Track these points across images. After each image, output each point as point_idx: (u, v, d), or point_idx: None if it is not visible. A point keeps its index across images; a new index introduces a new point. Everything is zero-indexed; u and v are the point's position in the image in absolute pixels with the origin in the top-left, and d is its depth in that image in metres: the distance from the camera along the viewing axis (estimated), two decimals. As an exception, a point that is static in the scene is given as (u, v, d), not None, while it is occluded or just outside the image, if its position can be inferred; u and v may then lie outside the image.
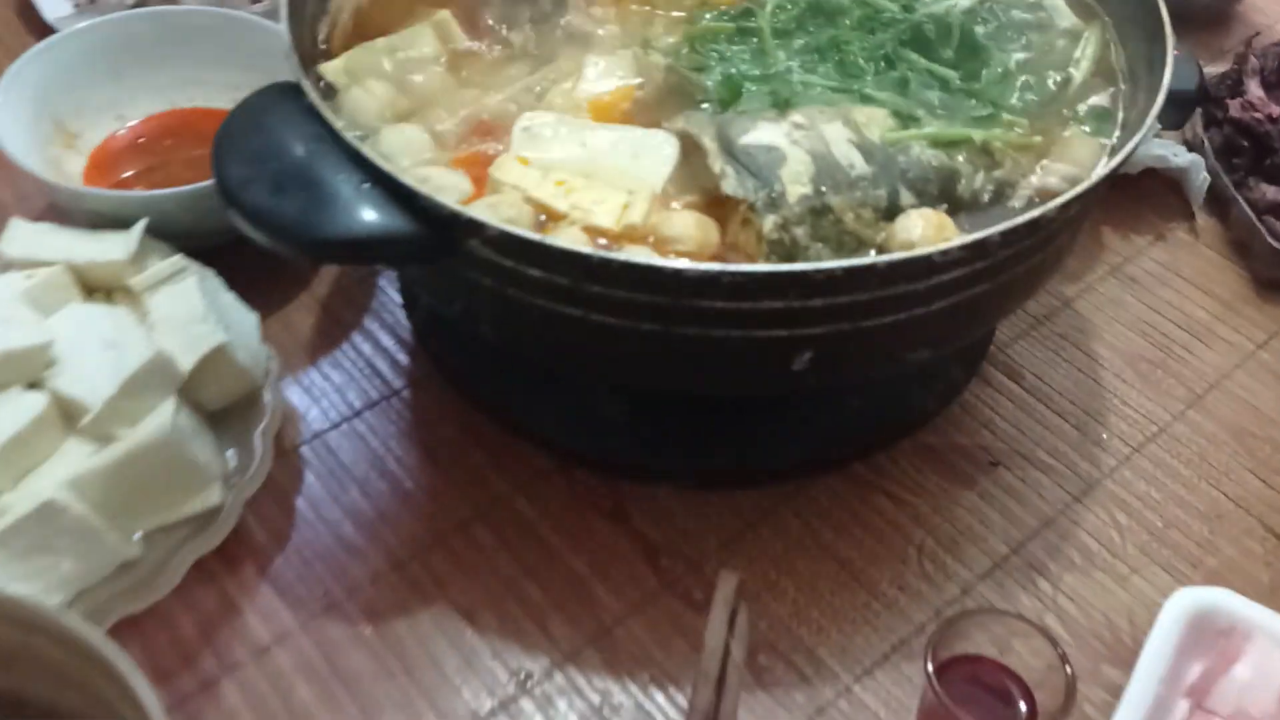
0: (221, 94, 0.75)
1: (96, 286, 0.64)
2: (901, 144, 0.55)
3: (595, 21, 0.64)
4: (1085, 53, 0.63)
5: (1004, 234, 0.49)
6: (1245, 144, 0.78)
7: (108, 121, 0.74)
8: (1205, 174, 0.78)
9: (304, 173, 0.50)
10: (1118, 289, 0.75)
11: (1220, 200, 0.79)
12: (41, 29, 0.84)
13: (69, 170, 0.70)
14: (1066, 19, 0.66)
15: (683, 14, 0.64)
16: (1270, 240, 0.74)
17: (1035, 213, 0.50)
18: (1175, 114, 0.78)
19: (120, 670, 0.45)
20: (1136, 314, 0.74)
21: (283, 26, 0.55)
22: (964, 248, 0.48)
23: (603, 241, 0.52)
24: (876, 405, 0.65)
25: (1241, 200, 0.76)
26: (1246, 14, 0.98)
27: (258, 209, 0.49)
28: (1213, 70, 0.84)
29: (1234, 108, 0.79)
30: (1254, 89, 0.79)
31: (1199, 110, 0.81)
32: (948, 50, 0.62)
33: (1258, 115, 0.77)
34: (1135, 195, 0.79)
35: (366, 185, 0.50)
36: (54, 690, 0.49)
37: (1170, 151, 0.78)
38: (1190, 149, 0.80)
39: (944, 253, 0.48)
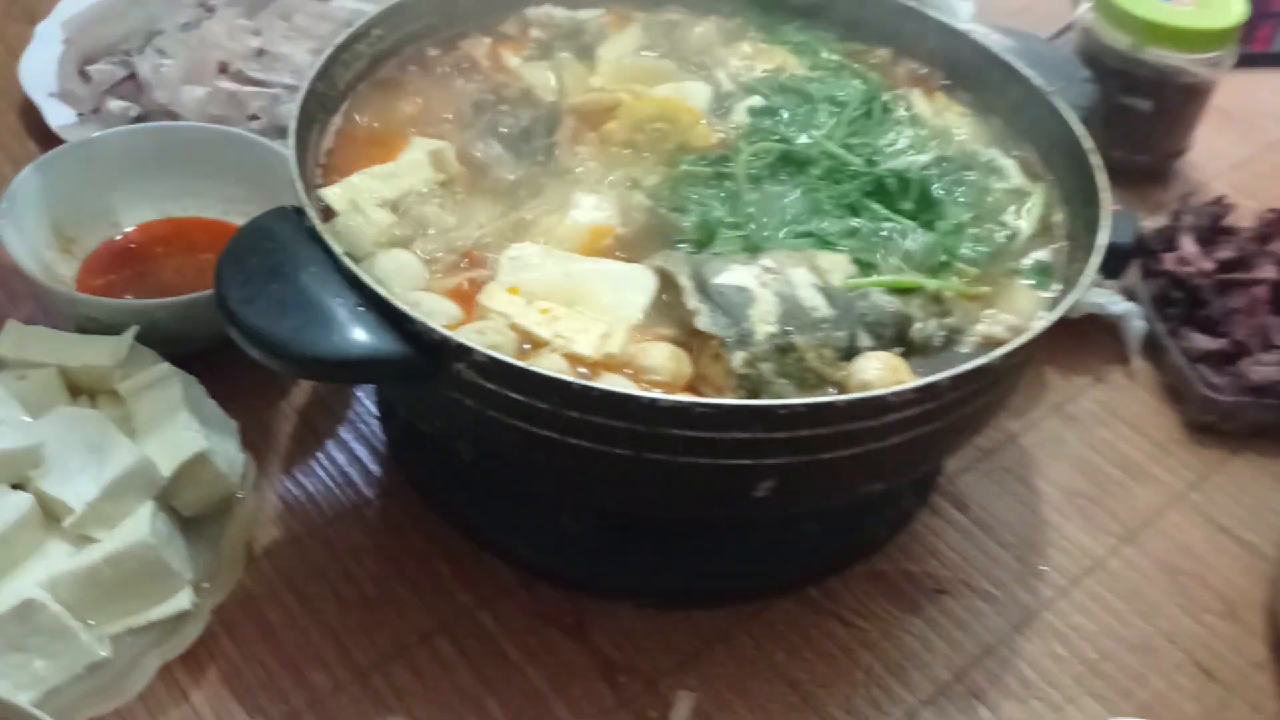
0: (214, 205, 0.79)
1: (82, 389, 0.66)
2: (861, 290, 0.59)
3: (580, 160, 0.68)
4: (1031, 211, 0.68)
5: (953, 379, 0.52)
6: (1179, 295, 0.83)
7: (103, 228, 0.77)
8: (1141, 321, 0.83)
9: (302, 294, 0.53)
10: (1059, 426, 0.79)
11: (1155, 346, 0.83)
12: (44, 135, 0.87)
13: (62, 274, 0.73)
14: (1016, 178, 0.71)
15: (662, 157, 0.69)
16: (1202, 388, 0.78)
17: (981, 360, 0.54)
18: (1114, 265, 0.84)
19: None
20: (1076, 451, 0.78)
21: (290, 153, 0.58)
22: (916, 390, 0.52)
23: (582, 370, 0.55)
24: (832, 532, 0.68)
25: (1175, 349, 0.81)
26: (1185, 170, 1.04)
27: (256, 328, 0.52)
28: (1151, 224, 0.90)
29: (1169, 261, 0.84)
30: (1187, 244, 0.85)
31: (1137, 261, 0.86)
32: (907, 202, 0.67)
33: (1190, 269, 0.83)
34: (1076, 339, 0.84)
35: (361, 308, 0.53)
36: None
37: (1109, 300, 0.83)
38: (1129, 298, 0.85)
39: (898, 394, 0.52)
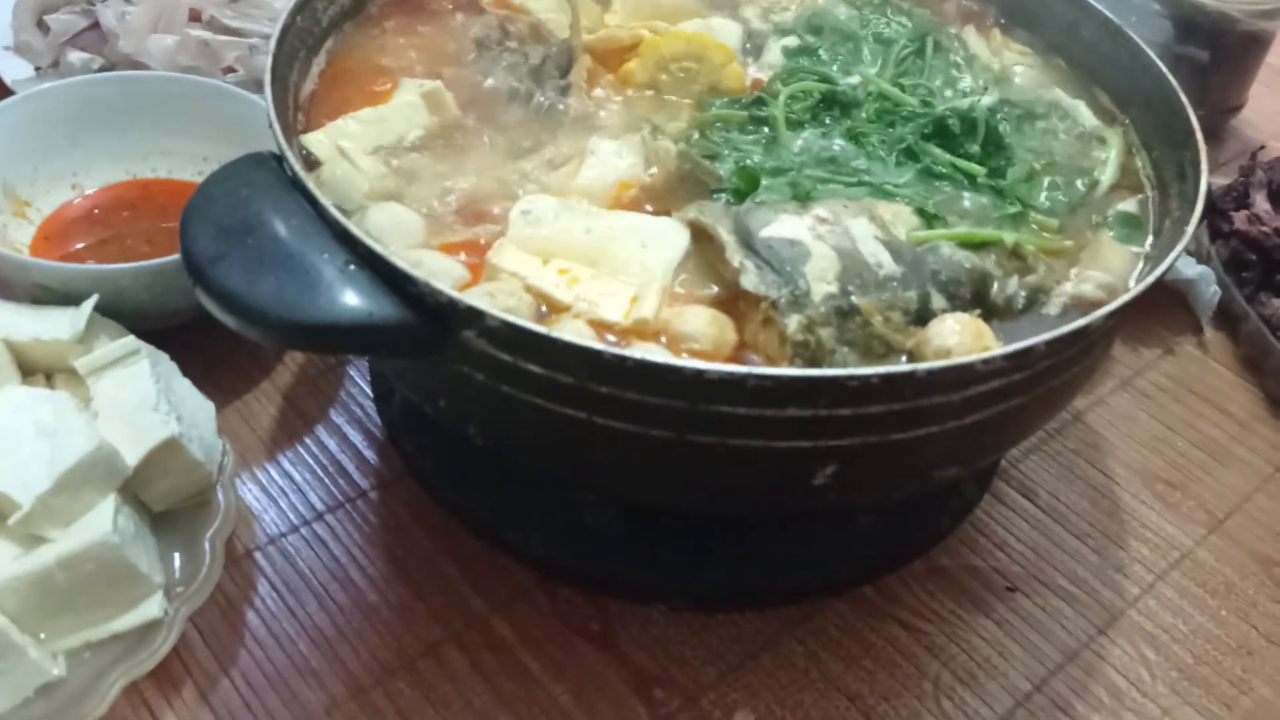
0: (187, 165, 0.71)
1: (36, 367, 0.58)
2: (930, 244, 0.52)
3: (597, 104, 0.60)
4: (1109, 156, 0.61)
5: (1050, 343, 0.45)
6: (1253, 257, 0.75)
7: (62, 190, 0.69)
8: (1215, 287, 0.76)
9: (283, 250, 0.45)
10: (1129, 403, 0.72)
11: (1228, 314, 0.76)
12: (2, 93, 0.78)
13: (16, 239, 0.65)
14: (1088, 120, 0.63)
15: (689, 100, 0.61)
16: (1284, 357, 0.71)
17: (1082, 322, 0.46)
18: (1181, 225, 0.76)
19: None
20: (1150, 430, 0.70)
21: (266, 91, 0.50)
22: (1008, 357, 0.44)
23: (610, 338, 0.48)
24: (887, 523, 0.60)
25: (1252, 315, 0.73)
26: (1240, 129, 0.97)
27: (228, 289, 0.44)
28: (1213, 182, 0.82)
29: (1240, 220, 0.76)
30: (1260, 202, 0.77)
31: (1204, 222, 0.79)
32: (973, 145, 0.59)
33: (1265, 229, 0.75)
34: (1143, 306, 0.76)
35: (352, 267, 0.45)
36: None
37: (1180, 262, 0.76)
38: (1199, 261, 0.78)
39: (987, 362, 0.44)
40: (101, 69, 0.77)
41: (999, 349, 0.44)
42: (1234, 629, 0.60)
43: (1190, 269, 0.76)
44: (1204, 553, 0.64)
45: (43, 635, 0.50)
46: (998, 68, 0.67)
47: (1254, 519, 0.66)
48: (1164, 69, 0.61)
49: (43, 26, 0.80)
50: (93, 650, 0.50)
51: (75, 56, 0.77)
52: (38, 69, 0.78)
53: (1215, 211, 0.79)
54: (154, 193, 0.70)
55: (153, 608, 0.51)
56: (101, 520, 0.50)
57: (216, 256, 0.45)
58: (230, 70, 0.77)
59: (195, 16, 0.78)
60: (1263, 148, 0.85)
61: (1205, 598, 0.61)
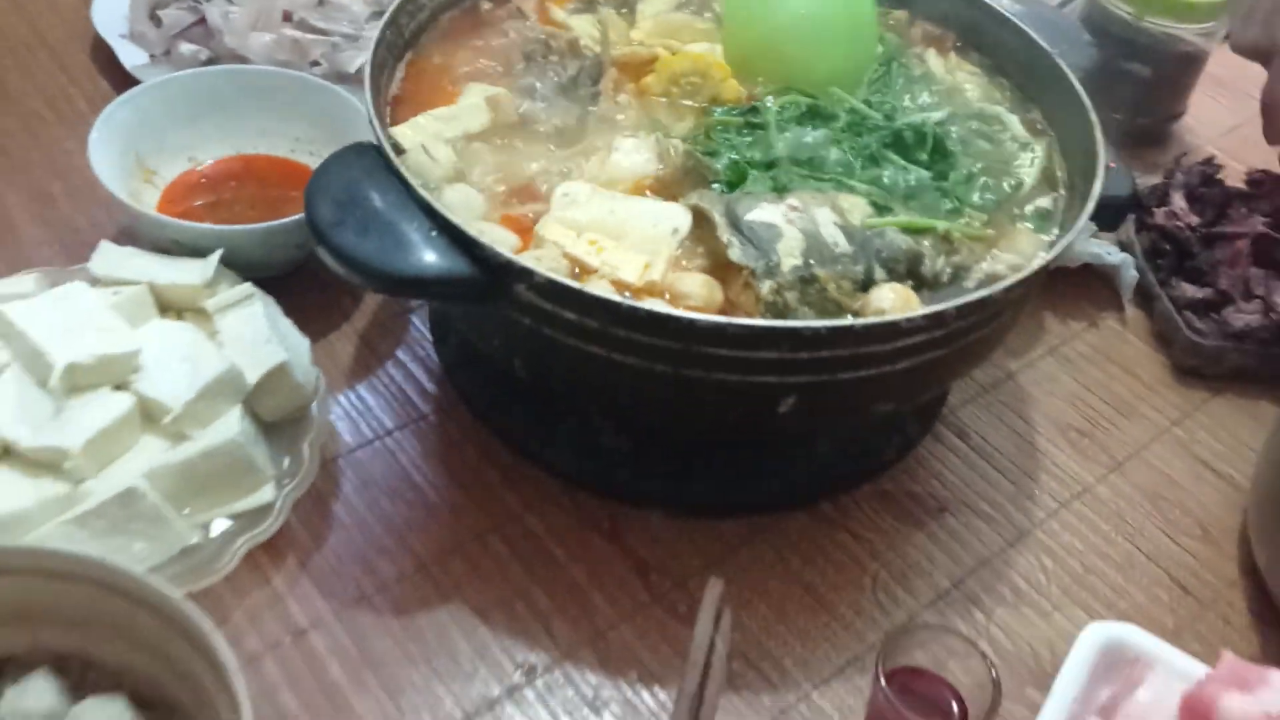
0: (283, 144, 0.85)
1: (171, 307, 0.72)
2: (878, 229, 0.66)
3: (621, 108, 0.74)
4: (1034, 163, 0.75)
5: (958, 308, 0.59)
6: (1168, 248, 0.89)
7: (181, 162, 0.83)
8: (1134, 271, 0.90)
9: (382, 219, 0.60)
10: (1055, 367, 0.86)
11: (1146, 295, 0.90)
12: (116, 75, 0.93)
13: (146, 201, 0.79)
14: (1021, 133, 0.77)
15: (698, 106, 0.75)
16: (1188, 333, 0.85)
17: (984, 292, 0.60)
18: (1110, 218, 0.91)
19: (201, 629, 0.53)
20: (1069, 389, 0.84)
21: (366, 96, 0.65)
22: (925, 316, 0.58)
23: (626, 294, 0.62)
24: (843, 453, 0.75)
25: (1164, 297, 0.88)
26: (1181, 134, 1.11)
27: (343, 248, 0.58)
28: (1146, 181, 0.96)
29: (1160, 215, 0.90)
30: (1178, 200, 0.91)
31: (1132, 215, 0.93)
32: (922, 154, 0.73)
33: (1179, 224, 0.89)
34: (1074, 287, 0.91)
35: (434, 233, 0.59)
36: (124, 652, 0.57)
37: (1105, 250, 0.90)
38: (1122, 249, 0.92)
39: (909, 319, 0.58)
40: (208, 60, 0.91)
41: (919, 310, 0.59)
42: (1120, 548, 0.74)
43: (1114, 256, 0.90)
44: (1103, 488, 0.78)
45: (186, 511, 0.65)
46: (951, 83, 0.81)
47: (1148, 464, 0.80)
48: (1081, 92, 0.74)
49: (155, 19, 0.94)
50: (221, 524, 0.66)
51: (185, 48, 0.91)
52: (151, 56, 0.93)
53: (1140, 208, 0.92)
54: (255, 166, 0.85)
55: (266, 494, 0.66)
56: (231, 424, 0.65)
57: (334, 223, 0.59)
58: (315, 64, 0.91)
59: (287, 16, 0.92)
60: (1185, 154, 0.98)
61: (1099, 523, 0.76)
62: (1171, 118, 1.09)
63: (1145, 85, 1.03)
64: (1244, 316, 0.84)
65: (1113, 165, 0.89)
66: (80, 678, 0.57)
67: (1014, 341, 0.87)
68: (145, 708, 0.56)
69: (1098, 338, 0.89)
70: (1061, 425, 0.82)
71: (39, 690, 0.55)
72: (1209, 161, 0.95)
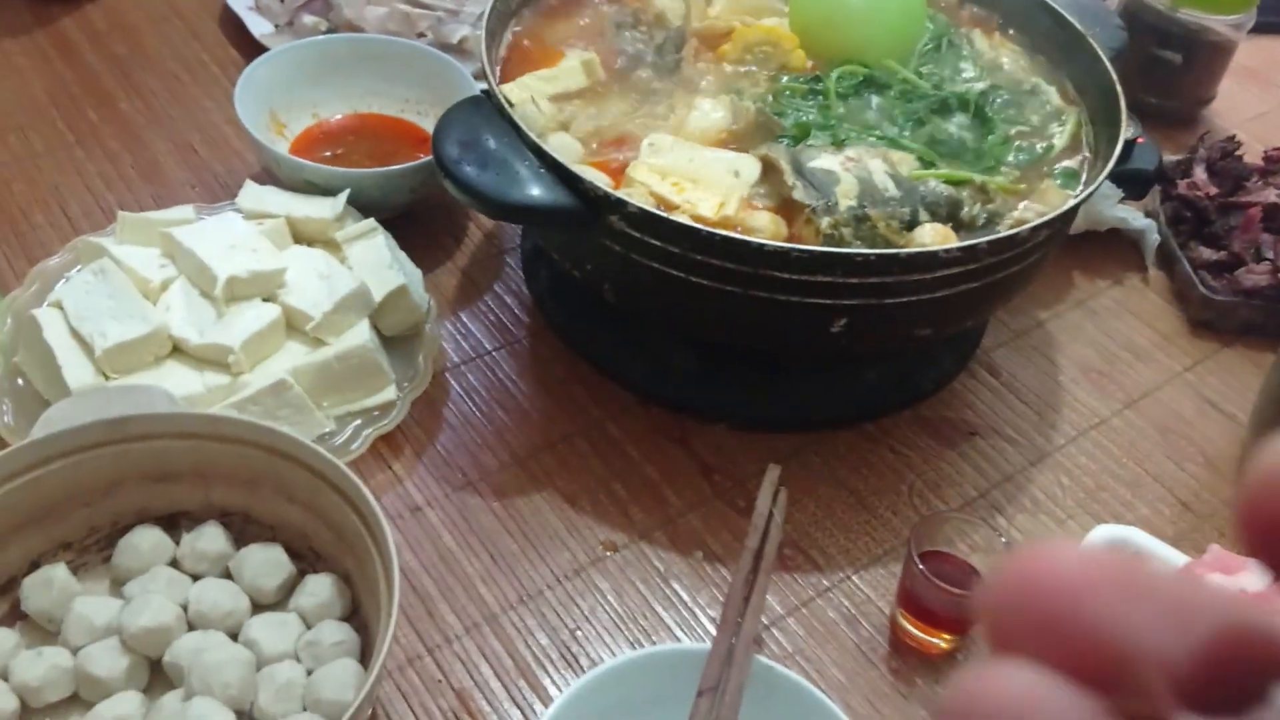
0: (392, 104, 0.97)
1: (304, 238, 0.84)
2: (923, 179, 0.76)
3: (701, 73, 0.85)
4: (1064, 130, 0.84)
5: (990, 243, 0.69)
6: (1189, 215, 0.98)
7: (306, 117, 0.95)
8: (1156, 235, 0.99)
9: (497, 158, 0.71)
10: (1081, 317, 0.96)
11: (1167, 258, 0.99)
12: (244, 43, 1.05)
13: (278, 150, 0.91)
14: (1055, 101, 0.87)
15: (769, 73, 0.85)
16: (1203, 290, 0.94)
17: (1012, 230, 0.70)
18: (1138, 188, 1.00)
19: (353, 482, 0.64)
20: (1093, 337, 0.94)
21: (483, 58, 0.76)
22: (960, 249, 0.69)
23: (708, 227, 0.72)
24: (888, 382, 0.85)
25: (1183, 259, 0.97)
26: (1210, 118, 1.19)
27: (466, 179, 0.69)
28: (1173, 157, 1.05)
29: (1182, 186, 0.99)
30: (1199, 173, 1.00)
31: (1158, 186, 1.02)
32: (965, 118, 0.83)
33: (1199, 194, 0.98)
34: (1102, 248, 1.00)
35: (542, 170, 0.70)
36: (281, 507, 0.68)
37: (1131, 216, 0.99)
38: (1148, 216, 1.01)
39: (946, 250, 0.68)
40: (328, 30, 1.03)
41: (955, 243, 0.69)
42: (1129, 470, 0.84)
43: (1139, 221, 0.99)
44: (1117, 421, 0.87)
45: (324, 404, 0.76)
46: (994, 60, 0.90)
47: (1160, 402, 0.89)
48: (1110, 68, 0.84)
49: (280, -7, 1.06)
50: (353, 416, 0.77)
51: (307, 19, 1.03)
52: (276, 26, 1.05)
53: (1165, 179, 1.01)
54: (370, 123, 0.96)
55: (390, 392, 0.77)
56: (361, 332, 0.77)
57: (458, 159, 0.70)
58: (422, 35, 1.03)
59: (397, -8, 1.04)
60: (1208, 132, 1.07)
61: (1112, 449, 0.85)
62: (1201, 102, 1.17)
63: (1177, 71, 1.12)
64: (1254, 277, 0.93)
65: (1141, 140, 0.98)
66: (241, 530, 0.69)
67: (1045, 295, 0.96)
68: (294, 557, 0.68)
69: (1122, 294, 0.98)
70: (1084, 367, 0.91)
71: (211, 537, 0.67)
72: (1230, 139, 1.04)
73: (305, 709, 0.61)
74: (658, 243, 0.69)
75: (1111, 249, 1.01)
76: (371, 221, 0.83)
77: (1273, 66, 1.26)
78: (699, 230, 0.68)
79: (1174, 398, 0.90)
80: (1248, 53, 1.22)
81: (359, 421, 0.76)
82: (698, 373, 0.83)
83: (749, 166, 0.76)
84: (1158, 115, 1.13)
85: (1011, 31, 0.93)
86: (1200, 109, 1.18)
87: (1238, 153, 1.03)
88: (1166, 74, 1.12)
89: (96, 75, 1.05)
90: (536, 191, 0.70)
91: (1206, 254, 0.95)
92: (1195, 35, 1.10)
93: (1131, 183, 0.99)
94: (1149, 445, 0.86)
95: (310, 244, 0.84)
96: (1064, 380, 0.90)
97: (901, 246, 0.73)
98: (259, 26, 1.04)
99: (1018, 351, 0.92)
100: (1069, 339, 0.94)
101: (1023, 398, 0.88)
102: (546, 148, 0.71)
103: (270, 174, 0.89)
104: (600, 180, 0.74)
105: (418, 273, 0.84)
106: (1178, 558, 0.71)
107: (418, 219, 0.91)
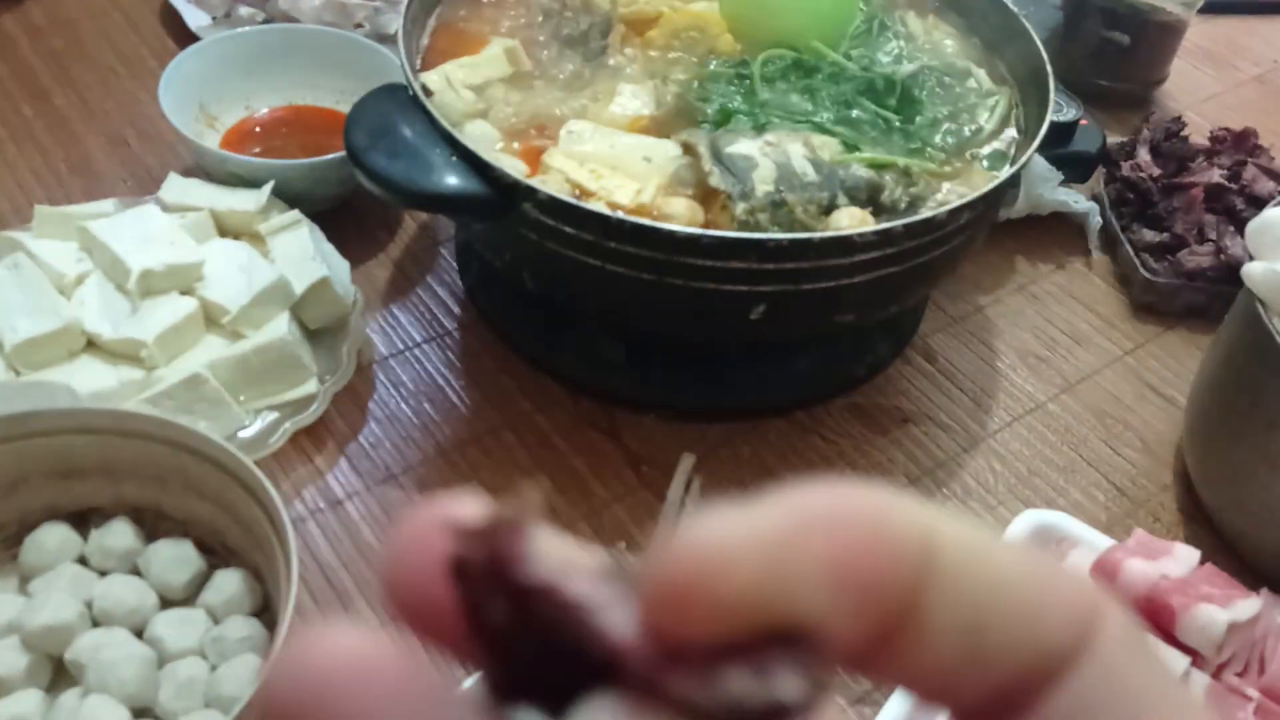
0: (329, 96, 0.96)
1: (229, 230, 0.83)
2: (844, 163, 0.75)
3: (626, 59, 0.84)
4: (995, 111, 0.83)
5: (906, 226, 0.68)
6: (1131, 197, 0.97)
7: (238, 110, 0.94)
8: (1099, 218, 0.98)
9: (409, 146, 0.70)
10: (1022, 303, 0.95)
11: (1110, 240, 0.98)
12: (181, 34, 1.04)
13: (208, 144, 0.90)
14: (985, 83, 0.86)
15: (694, 59, 0.85)
16: (1144, 273, 0.93)
17: (929, 213, 0.69)
18: (1082, 171, 1.00)
19: (259, 479, 0.63)
20: (1033, 322, 0.93)
21: (399, 45, 0.75)
22: (875, 232, 0.68)
23: (620, 214, 0.72)
24: (819, 369, 0.84)
25: (1126, 241, 0.96)
26: (1161, 100, 1.18)
27: (375, 168, 0.68)
28: (1117, 139, 1.04)
29: (1125, 168, 0.98)
30: (1143, 154, 0.99)
31: (1102, 169, 1.01)
32: (892, 100, 0.82)
33: (1143, 175, 0.97)
34: (1044, 232, 0.99)
35: (454, 158, 0.69)
36: (191, 504, 0.68)
37: (1073, 199, 0.98)
38: (1093, 199, 1.00)
39: (860, 234, 0.67)
40: (264, 21, 1.02)
41: (870, 226, 0.68)
42: (1064, 455, 0.83)
43: (1081, 204, 0.98)
44: (1053, 405, 0.87)
45: (241, 398, 0.76)
46: (927, 42, 0.89)
47: (1099, 386, 0.89)
48: (1041, 48, 0.83)
49: (217, -15, 1.06)
50: (271, 410, 0.76)
51: (244, 10, 1.02)
52: (213, 18, 1.04)
53: (1109, 161, 1.01)
54: (304, 115, 0.95)
55: (310, 386, 0.77)
56: (280, 325, 0.76)
57: (368, 147, 0.69)
58: (359, 26, 1.02)
59: (333, -18, 1.03)
60: (1153, 113, 1.06)
61: (1046, 434, 0.84)
62: (1152, 84, 1.16)
63: (1126, 52, 1.11)
64: (1196, 258, 0.92)
65: (1085, 121, 0.98)
66: (153, 526, 0.68)
67: (985, 280, 0.95)
68: (206, 552, 0.67)
69: (1064, 278, 0.97)
70: (1022, 352, 0.90)
71: (119, 533, 0.66)
72: (1176, 120, 1.03)
73: (207, 705, 0.60)
74: (571, 230, 0.69)
75: (1054, 233, 1.00)
76: (296, 213, 0.82)
77: (1226, 47, 1.25)
78: (609, 217, 0.67)
79: (1113, 382, 0.89)
80: (1201, 33, 1.21)
81: (278, 415, 0.76)
82: (626, 363, 0.82)
83: (669, 153, 0.76)
84: (1109, 98, 1.12)
85: (947, 14, 0.92)
86: (1152, 90, 1.17)
87: (1183, 133, 1.02)
88: (1115, 56, 1.11)
89: (33, 71, 1.04)
90: (448, 180, 0.69)
91: (1149, 236, 0.94)
92: (1144, 15, 1.09)
93: (1073, 165, 0.98)
94: (1085, 430, 0.85)
95: (236, 237, 0.83)
96: (1002, 366, 0.89)
97: (818, 230, 0.72)
98: (196, 19, 1.04)
99: (956, 337, 0.91)
100: (1009, 324, 0.93)
101: (959, 384, 0.87)
102: (460, 136, 0.70)
103: (199, 167, 0.89)
104: (516, 168, 0.73)
105: (345, 264, 0.83)
106: (1104, 543, 0.71)
107: (353, 211, 0.90)
